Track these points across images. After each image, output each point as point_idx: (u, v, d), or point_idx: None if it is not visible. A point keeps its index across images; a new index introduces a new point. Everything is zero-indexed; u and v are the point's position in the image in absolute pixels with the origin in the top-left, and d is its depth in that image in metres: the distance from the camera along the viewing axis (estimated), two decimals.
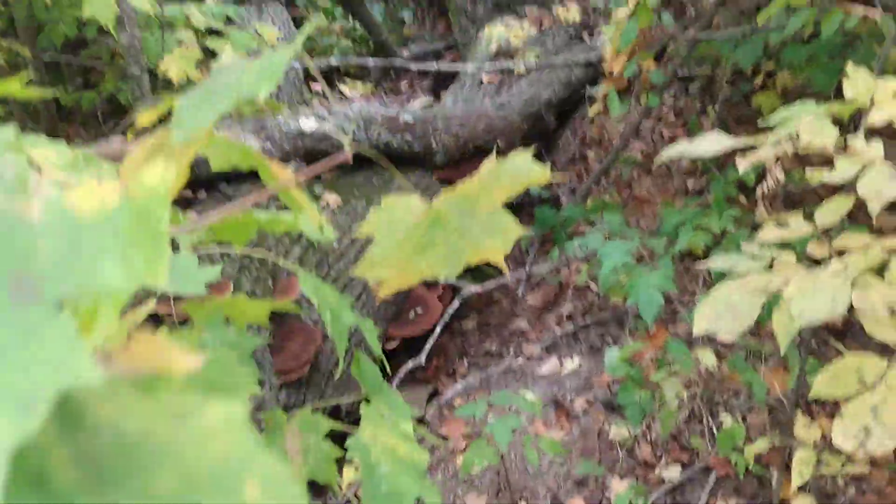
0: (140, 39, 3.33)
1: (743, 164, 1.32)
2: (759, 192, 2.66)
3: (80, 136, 4.80)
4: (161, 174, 0.42)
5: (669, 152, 1.39)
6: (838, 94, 3.64)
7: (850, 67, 1.41)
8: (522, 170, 0.59)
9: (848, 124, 1.52)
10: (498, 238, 0.62)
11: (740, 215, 3.16)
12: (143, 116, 0.52)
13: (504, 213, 0.61)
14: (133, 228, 0.37)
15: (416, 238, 0.59)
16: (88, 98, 3.98)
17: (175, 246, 0.74)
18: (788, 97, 3.94)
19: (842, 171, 1.19)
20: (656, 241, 2.94)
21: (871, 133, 1.31)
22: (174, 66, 2.93)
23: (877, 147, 1.23)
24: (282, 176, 0.58)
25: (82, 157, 0.65)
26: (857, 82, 1.40)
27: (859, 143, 1.25)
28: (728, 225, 3.06)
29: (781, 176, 2.54)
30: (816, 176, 1.26)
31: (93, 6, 1.74)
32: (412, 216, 0.58)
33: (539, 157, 4.40)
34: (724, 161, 4.09)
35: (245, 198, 0.59)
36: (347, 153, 0.59)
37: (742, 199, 3.61)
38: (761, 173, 2.93)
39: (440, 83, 5.76)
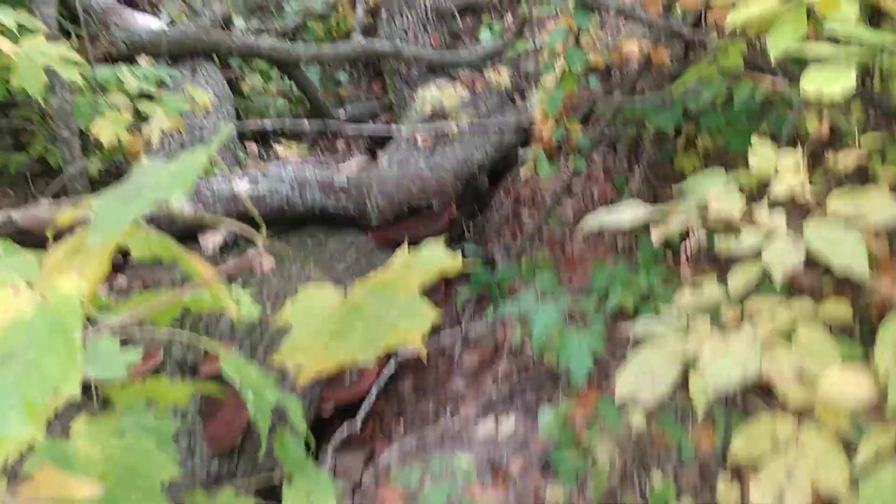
0: (71, 103, 3.30)
1: (656, 235, 1.38)
2: (682, 251, 2.75)
3: (7, 196, 4.67)
4: (76, 283, 0.43)
5: (589, 222, 1.45)
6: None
7: (755, 139, 1.50)
8: (437, 259, 0.62)
9: (755, 193, 1.61)
10: (416, 322, 0.64)
11: (667, 274, 3.27)
12: (63, 216, 0.53)
13: (420, 300, 0.64)
14: (48, 337, 0.38)
15: (334, 326, 0.60)
16: (17, 160, 3.90)
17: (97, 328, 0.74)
18: (709, 159, 4.12)
19: (747, 241, 1.26)
20: (587, 300, 3.01)
21: (775, 204, 1.39)
22: (105, 129, 2.91)
23: (779, 218, 1.30)
24: (203, 273, 0.60)
25: (3, 247, 0.65)
26: (762, 154, 1.49)
27: (763, 214, 1.32)
28: (655, 283, 3.16)
29: (703, 236, 2.64)
30: (724, 245, 1.32)
31: (21, 77, 1.73)
32: (329, 306, 0.60)
33: (473, 216, 4.48)
34: None
35: (174, 290, 0.60)
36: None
37: (670, 256, 3.73)
38: (685, 233, 3.05)
39: (376, 142, 5.84)
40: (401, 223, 3.72)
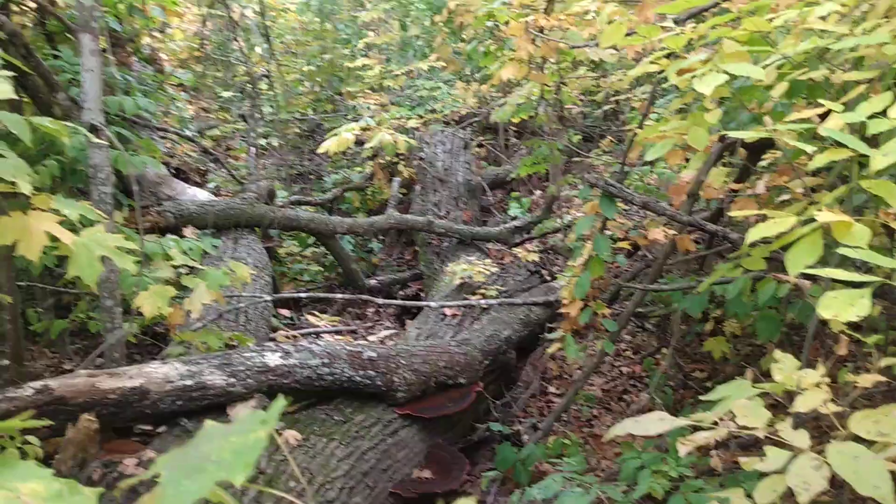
0: (118, 273, 3.46)
1: (684, 450, 1.39)
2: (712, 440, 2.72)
3: (44, 356, 4.79)
4: None
5: (617, 431, 1.47)
6: (785, 341, 3.82)
7: (777, 353, 1.54)
8: None
9: (780, 402, 1.63)
10: None
11: (697, 460, 3.20)
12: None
13: None
14: None
15: None
16: (59, 326, 4.04)
17: None
18: (737, 342, 4.14)
19: (772, 460, 1.27)
20: (615, 488, 2.95)
21: (799, 419, 1.41)
22: (148, 301, 3.02)
23: (803, 437, 1.32)
24: None
25: (67, 488, 0.70)
26: (785, 368, 1.52)
27: (788, 432, 1.34)
28: (686, 471, 3.09)
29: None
30: (749, 464, 1.33)
31: (78, 267, 1.85)
32: None
33: (499, 392, 4.47)
34: (681, 402, 4.20)
35: None
36: None
37: None
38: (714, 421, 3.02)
39: (406, 311, 5.95)
40: (428, 398, 3.73)
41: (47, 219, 1.88)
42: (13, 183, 1.79)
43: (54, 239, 1.91)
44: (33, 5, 4.64)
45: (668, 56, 1.95)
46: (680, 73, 1.71)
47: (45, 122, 1.86)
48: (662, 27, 1.73)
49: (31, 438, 2.35)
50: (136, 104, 4.12)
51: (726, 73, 1.52)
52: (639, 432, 1.45)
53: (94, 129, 3.27)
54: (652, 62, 1.81)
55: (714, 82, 1.48)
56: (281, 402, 0.59)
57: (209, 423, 0.59)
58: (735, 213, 1.65)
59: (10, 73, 1.65)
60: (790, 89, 1.76)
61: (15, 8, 4.62)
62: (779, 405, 1.66)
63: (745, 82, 1.96)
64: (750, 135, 1.59)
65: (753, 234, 1.59)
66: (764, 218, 1.60)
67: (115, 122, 4.28)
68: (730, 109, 2.65)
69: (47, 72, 3.87)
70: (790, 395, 1.67)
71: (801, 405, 1.40)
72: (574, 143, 6.00)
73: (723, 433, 1.40)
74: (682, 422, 1.43)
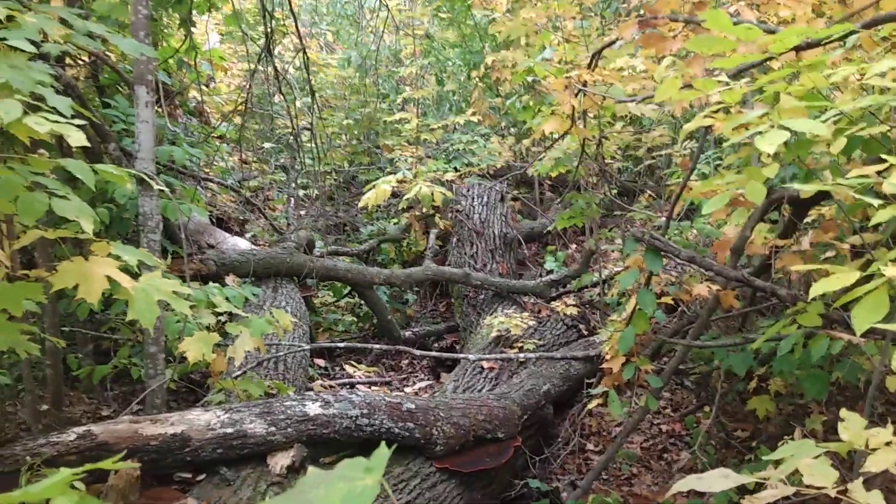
0: (162, 320, 3.50)
1: None
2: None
3: (83, 402, 4.82)
4: None
5: (679, 486, 1.43)
6: (830, 401, 3.72)
7: (844, 412, 1.51)
8: None
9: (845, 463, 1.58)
10: None
11: None
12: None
13: None
14: None
15: None
16: (101, 372, 4.07)
17: None
18: (779, 401, 4.04)
19: None
20: None
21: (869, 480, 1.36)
22: (193, 347, 3.04)
23: (877, 497, 1.28)
24: None
25: None
26: (851, 427, 1.48)
27: (861, 492, 1.30)
28: None
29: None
30: None
31: (137, 311, 1.88)
32: None
33: (538, 447, 4.40)
34: (723, 462, 4.09)
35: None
36: None
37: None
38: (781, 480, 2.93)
39: (440, 363, 5.92)
40: (466, 452, 3.68)
41: (106, 264, 1.92)
42: (75, 228, 1.83)
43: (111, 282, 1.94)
44: (87, 59, 4.81)
45: (719, 111, 1.96)
46: (736, 129, 1.71)
47: (110, 169, 1.91)
48: (718, 81, 1.74)
49: (77, 484, 2.35)
50: (186, 152, 4.22)
51: (787, 129, 1.52)
52: (702, 488, 1.42)
53: (145, 179, 3.35)
54: (706, 116, 1.81)
55: (777, 140, 1.48)
56: (384, 451, 0.58)
57: (312, 470, 0.58)
58: (796, 267, 1.63)
59: (81, 122, 1.71)
60: (847, 145, 1.75)
61: (69, 61, 4.80)
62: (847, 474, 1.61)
63: (800, 137, 1.96)
64: (810, 188, 1.58)
65: (816, 289, 1.57)
66: (826, 273, 1.58)
67: (161, 171, 4.38)
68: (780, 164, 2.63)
69: (100, 124, 3.99)
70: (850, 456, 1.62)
71: (873, 465, 1.36)
72: (611, 198, 5.99)
73: (789, 492, 1.36)
74: (747, 478, 1.39)
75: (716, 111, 1.86)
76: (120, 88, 4.98)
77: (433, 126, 8.02)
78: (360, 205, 5.39)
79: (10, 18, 1.79)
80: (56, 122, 1.61)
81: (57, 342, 3.17)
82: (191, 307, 3.66)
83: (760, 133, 1.51)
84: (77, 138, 1.64)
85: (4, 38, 1.74)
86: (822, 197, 3.02)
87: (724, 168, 2.80)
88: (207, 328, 3.31)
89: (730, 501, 3.34)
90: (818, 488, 1.41)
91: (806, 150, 1.99)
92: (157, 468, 2.96)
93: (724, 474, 1.47)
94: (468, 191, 7.13)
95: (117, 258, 1.90)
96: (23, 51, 1.78)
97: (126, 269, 2.09)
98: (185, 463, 3.01)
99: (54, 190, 1.88)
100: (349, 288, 6.63)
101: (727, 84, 1.77)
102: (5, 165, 1.91)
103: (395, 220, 7.89)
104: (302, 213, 8.36)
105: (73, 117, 1.79)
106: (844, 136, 1.74)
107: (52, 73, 1.89)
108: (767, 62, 2.25)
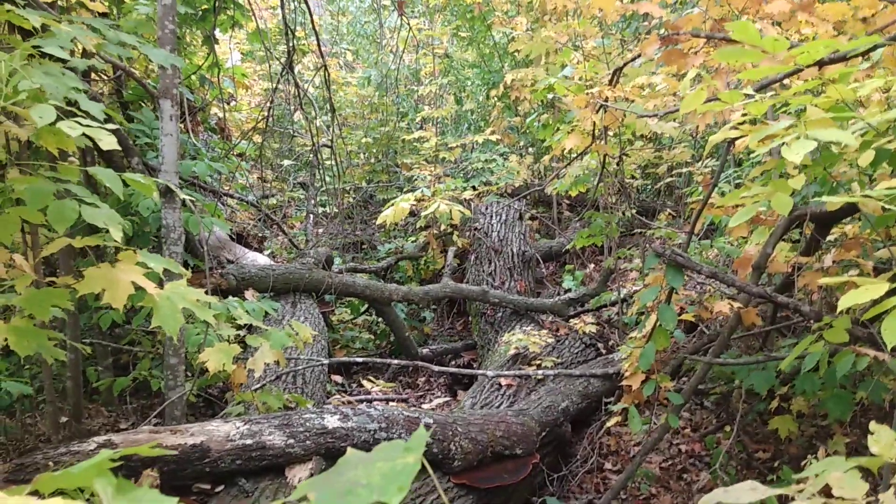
0: (183, 332, 3.52)
1: None
2: None
3: (101, 414, 4.84)
4: None
5: (706, 500, 1.42)
6: (853, 422, 3.67)
7: (873, 425, 1.48)
8: None
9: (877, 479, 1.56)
10: None
11: None
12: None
13: None
14: None
15: None
16: (121, 384, 4.10)
17: None
18: (800, 422, 3.99)
19: None
20: None
21: None
22: (214, 358, 3.05)
23: None
24: None
25: None
26: (882, 439, 1.46)
27: (892, 502, 1.28)
28: None
29: None
30: None
31: (162, 318, 1.90)
32: None
33: (555, 465, 4.36)
34: (745, 479, 4.03)
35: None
36: None
37: None
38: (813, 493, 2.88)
39: (457, 381, 5.90)
40: (484, 468, 3.65)
41: (133, 271, 1.93)
42: (104, 234, 1.85)
43: (137, 289, 1.96)
44: (111, 74, 4.89)
45: (745, 123, 1.95)
46: (762, 140, 1.71)
47: (137, 178, 1.93)
48: (744, 94, 1.74)
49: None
50: (209, 167, 4.26)
51: (814, 139, 1.52)
52: (729, 501, 1.40)
53: (169, 191, 3.38)
54: (733, 128, 1.81)
55: (804, 149, 1.47)
56: (423, 432, 0.58)
57: (351, 451, 0.59)
58: (823, 280, 1.61)
59: (113, 127, 1.73)
60: (875, 157, 1.74)
61: (94, 76, 4.88)
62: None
63: (826, 151, 1.95)
64: (837, 199, 1.57)
65: (845, 301, 1.56)
66: (854, 286, 1.56)
67: (183, 185, 4.43)
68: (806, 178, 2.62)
69: (124, 138, 4.04)
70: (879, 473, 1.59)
71: None
72: (630, 217, 5.98)
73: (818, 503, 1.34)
74: (776, 491, 1.37)
75: (741, 123, 1.85)
76: (144, 104, 5.05)
77: (452, 144, 8.06)
78: (379, 222, 5.42)
79: (44, 28, 1.83)
80: (88, 125, 1.64)
81: (82, 348, 3.20)
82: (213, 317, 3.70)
83: (786, 144, 1.51)
84: (109, 142, 1.67)
85: (38, 46, 1.78)
86: (846, 213, 3.00)
87: (748, 181, 2.78)
88: (227, 340, 3.33)
89: None
90: (848, 500, 1.39)
91: (832, 163, 1.98)
92: (175, 479, 2.96)
93: (752, 487, 1.46)
94: (486, 209, 7.14)
95: (143, 266, 1.92)
96: (57, 59, 1.82)
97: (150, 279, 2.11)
98: (204, 474, 3.01)
99: (83, 198, 1.91)
100: (367, 305, 6.64)
101: (752, 97, 1.76)
102: (34, 175, 1.94)
103: (413, 238, 7.90)
104: (320, 230, 8.40)
105: (105, 122, 1.82)
106: (872, 147, 1.73)
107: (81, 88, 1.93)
108: (793, 76, 2.25)
